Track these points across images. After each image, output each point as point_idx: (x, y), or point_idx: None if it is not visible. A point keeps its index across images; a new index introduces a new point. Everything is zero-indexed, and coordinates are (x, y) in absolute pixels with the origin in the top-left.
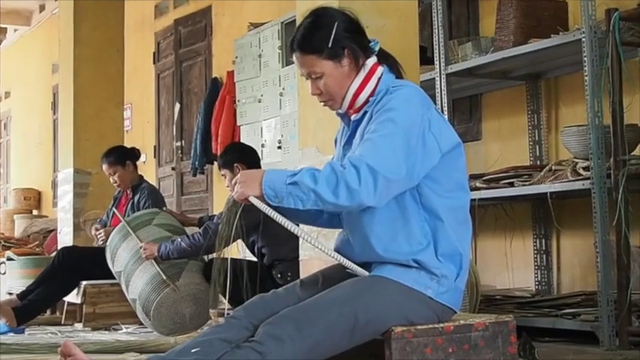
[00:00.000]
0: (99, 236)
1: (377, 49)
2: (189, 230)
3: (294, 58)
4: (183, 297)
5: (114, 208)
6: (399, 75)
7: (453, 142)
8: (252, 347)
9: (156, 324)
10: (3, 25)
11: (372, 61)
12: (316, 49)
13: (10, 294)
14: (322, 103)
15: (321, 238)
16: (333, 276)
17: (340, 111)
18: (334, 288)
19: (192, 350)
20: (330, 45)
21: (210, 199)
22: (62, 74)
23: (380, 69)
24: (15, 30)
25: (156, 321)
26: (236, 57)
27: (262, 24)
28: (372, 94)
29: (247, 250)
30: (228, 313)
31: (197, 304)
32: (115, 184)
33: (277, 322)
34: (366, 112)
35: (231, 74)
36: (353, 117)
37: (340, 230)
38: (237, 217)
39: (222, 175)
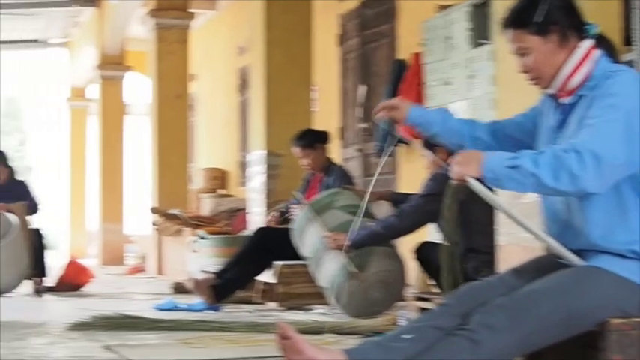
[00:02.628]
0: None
1: (594, 32)
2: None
3: (506, 35)
4: (372, 285)
5: (295, 192)
6: (615, 60)
7: None
8: (465, 335)
9: (347, 310)
10: (191, 10)
11: (587, 43)
12: (524, 23)
13: (205, 272)
14: (530, 81)
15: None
16: (547, 265)
17: (550, 91)
18: (548, 277)
19: (405, 336)
20: (538, 20)
21: (395, 180)
22: (253, 57)
23: (596, 52)
24: (202, 14)
25: (347, 308)
26: (424, 39)
27: (451, 6)
28: (586, 78)
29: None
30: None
31: (387, 288)
32: (305, 167)
33: (490, 311)
34: (581, 96)
35: (416, 56)
36: (567, 100)
37: (541, 218)
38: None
39: (423, 155)
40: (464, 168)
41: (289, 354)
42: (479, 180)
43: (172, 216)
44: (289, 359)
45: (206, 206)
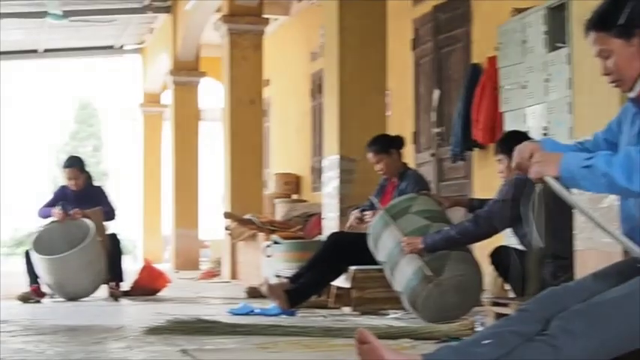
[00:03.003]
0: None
1: None
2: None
3: (588, 37)
4: (448, 289)
5: (372, 196)
6: None
7: None
8: (545, 341)
9: (422, 315)
10: (265, 16)
11: None
12: (607, 26)
13: (279, 276)
14: (611, 84)
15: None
16: (626, 270)
17: (631, 94)
18: (628, 283)
19: (484, 342)
20: (621, 23)
21: (470, 185)
22: (327, 62)
23: None
24: (275, 19)
25: (422, 313)
26: (499, 43)
27: (526, 9)
28: None
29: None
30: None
31: (462, 293)
32: (380, 172)
33: (570, 317)
34: None
35: (492, 60)
36: None
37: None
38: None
39: (498, 160)
40: (543, 167)
41: (368, 358)
42: (557, 179)
43: (246, 221)
44: None
45: (280, 211)
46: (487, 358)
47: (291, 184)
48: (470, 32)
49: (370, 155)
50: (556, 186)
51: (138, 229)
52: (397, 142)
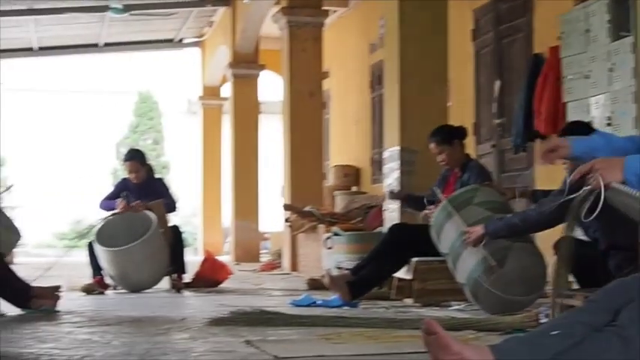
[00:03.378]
0: (428, 213)
1: None
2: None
3: None
4: (511, 281)
5: (434, 187)
6: None
7: None
8: (614, 332)
9: (484, 306)
10: (324, 8)
11: None
12: None
13: (340, 268)
14: None
15: None
16: None
17: None
18: None
19: (552, 332)
20: None
21: (531, 176)
22: (388, 53)
23: None
24: (334, 11)
25: (484, 304)
26: (561, 32)
27: None
28: None
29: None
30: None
31: (526, 284)
32: (442, 163)
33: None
34: None
35: (554, 50)
36: None
37: None
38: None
39: None
40: (608, 173)
41: (435, 350)
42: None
43: (306, 213)
44: (435, 355)
45: (339, 203)
46: (556, 349)
47: (351, 176)
48: (531, 22)
49: (432, 146)
50: (625, 190)
51: (198, 222)
52: (460, 133)
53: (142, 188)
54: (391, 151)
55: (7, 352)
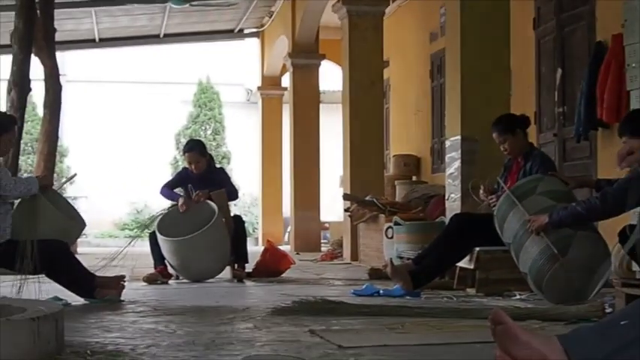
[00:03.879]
0: (491, 202)
1: None
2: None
3: None
4: (573, 270)
5: (498, 178)
6: None
7: None
8: None
9: (547, 295)
10: None
11: None
12: None
13: (401, 258)
14: None
15: None
16: None
17: None
18: None
19: (622, 322)
20: None
21: (593, 165)
22: (449, 42)
23: None
24: (393, 1)
25: (547, 293)
26: (624, 20)
27: None
28: None
29: None
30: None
31: (589, 273)
32: (504, 152)
33: None
34: None
35: (617, 38)
36: None
37: None
38: None
39: (623, 142)
40: None
41: (502, 340)
42: None
43: (367, 202)
44: (502, 346)
45: (400, 193)
46: (625, 339)
47: (411, 166)
48: (594, 10)
49: (495, 135)
50: None
51: (257, 212)
52: (523, 122)
53: (202, 178)
54: (452, 141)
55: (74, 342)
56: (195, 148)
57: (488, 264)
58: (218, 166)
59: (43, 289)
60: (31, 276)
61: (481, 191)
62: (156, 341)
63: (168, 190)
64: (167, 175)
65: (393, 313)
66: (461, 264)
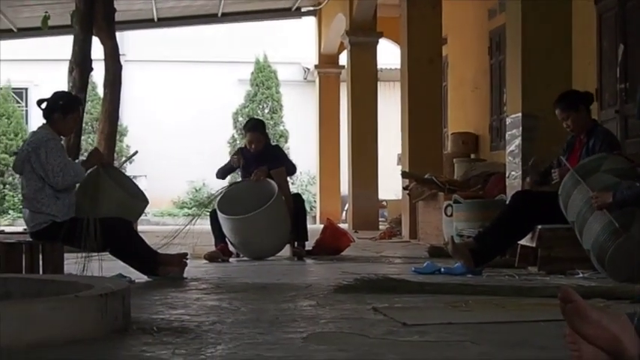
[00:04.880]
0: (554, 175)
1: None
2: None
3: None
4: (636, 245)
5: (561, 157)
6: None
7: None
8: None
9: (611, 272)
10: None
11: None
12: None
13: (461, 236)
14: None
15: None
16: None
17: None
18: None
19: None
20: None
21: None
22: (509, 18)
23: None
24: None
25: (610, 270)
26: None
27: None
28: None
29: None
30: None
31: None
32: (567, 129)
33: None
34: None
35: None
36: None
37: None
38: None
39: None
40: None
41: (572, 318)
42: None
43: (425, 180)
44: (572, 324)
45: (458, 171)
46: None
47: (469, 144)
48: None
49: (558, 111)
50: None
51: (315, 190)
52: (586, 98)
53: (259, 156)
54: (513, 118)
55: (139, 318)
56: (257, 127)
57: (551, 242)
58: (276, 144)
59: (106, 266)
60: (95, 254)
61: (540, 169)
62: (220, 318)
63: (223, 170)
64: (225, 154)
65: (455, 291)
66: (522, 242)
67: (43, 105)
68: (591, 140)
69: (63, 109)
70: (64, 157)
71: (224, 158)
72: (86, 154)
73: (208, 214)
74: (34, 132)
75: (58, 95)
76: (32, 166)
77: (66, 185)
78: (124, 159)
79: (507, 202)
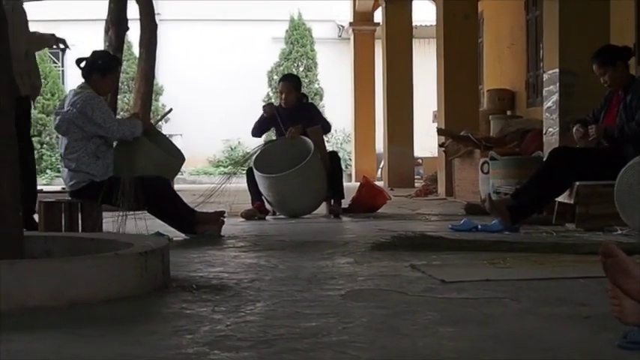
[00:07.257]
0: (590, 132)
1: None
2: None
3: None
4: None
5: (595, 109)
6: None
7: None
8: None
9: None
10: None
11: None
12: None
13: (497, 193)
14: None
15: None
16: None
17: None
18: None
19: None
20: None
21: None
22: None
23: None
24: None
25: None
26: None
27: None
28: None
29: None
30: None
31: None
32: (605, 85)
33: None
34: None
35: None
36: None
37: None
38: None
39: None
40: None
41: (613, 273)
42: None
43: (461, 137)
44: (613, 279)
45: (494, 128)
46: None
47: (506, 100)
48: None
49: (595, 67)
50: None
51: (350, 148)
52: (623, 53)
53: (292, 114)
54: (550, 74)
55: (178, 276)
56: (288, 79)
57: (588, 199)
58: (310, 102)
59: (144, 225)
60: (132, 212)
61: (577, 126)
62: (259, 275)
63: (258, 126)
64: (260, 112)
65: (492, 248)
66: (560, 199)
67: (82, 64)
68: (629, 95)
69: (102, 69)
70: (110, 113)
71: (259, 115)
72: (122, 113)
73: (244, 172)
74: (75, 92)
75: (97, 55)
76: (79, 126)
77: (125, 135)
78: (158, 117)
79: (544, 159)
